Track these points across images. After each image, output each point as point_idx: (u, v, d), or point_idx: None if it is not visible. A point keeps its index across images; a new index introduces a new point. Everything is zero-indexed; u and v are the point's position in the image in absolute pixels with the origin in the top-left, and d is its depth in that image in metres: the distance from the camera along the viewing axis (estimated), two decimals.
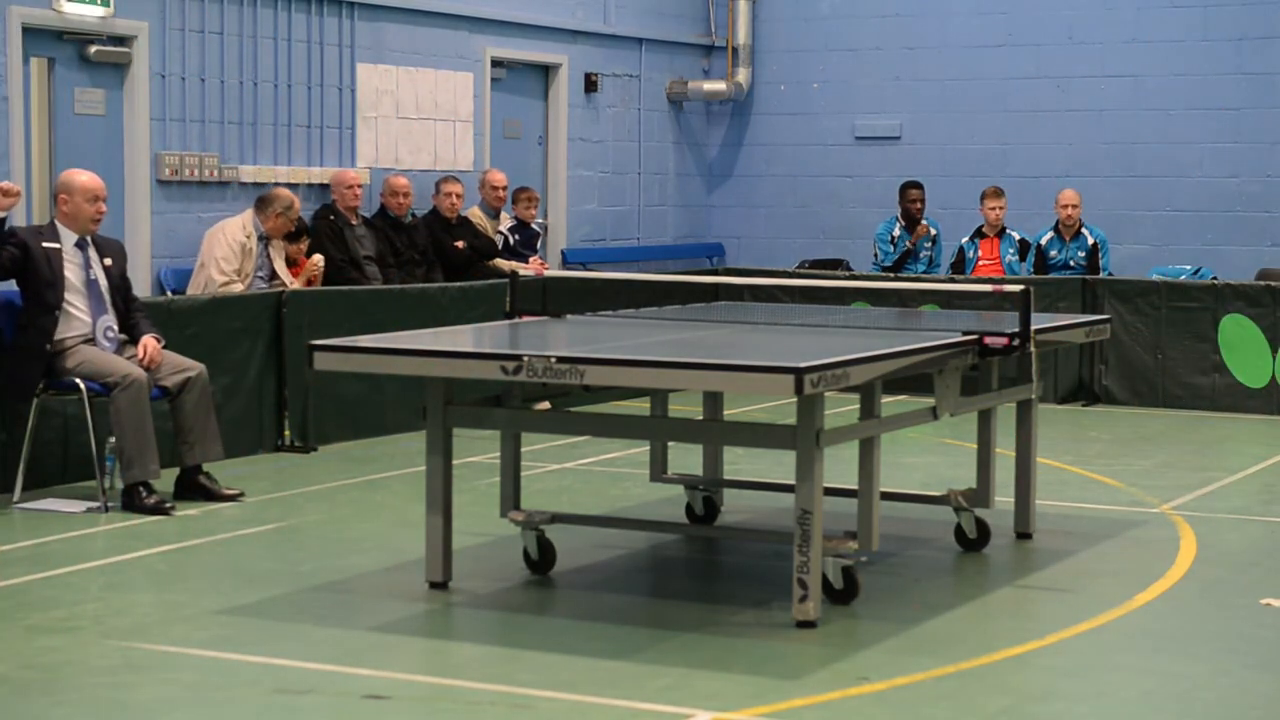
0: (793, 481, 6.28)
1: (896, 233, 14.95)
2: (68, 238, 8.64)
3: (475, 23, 14.50)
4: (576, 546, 7.58)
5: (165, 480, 8.65)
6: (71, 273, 8.61)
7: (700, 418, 8.28)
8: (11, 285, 8.76)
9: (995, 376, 7.59)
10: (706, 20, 17.22)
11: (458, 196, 13.17)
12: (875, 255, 14.96)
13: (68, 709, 5.34)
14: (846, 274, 14.77)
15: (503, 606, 6.77)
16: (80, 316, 8.61)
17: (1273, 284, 12.62)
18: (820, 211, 16.92)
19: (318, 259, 11.49)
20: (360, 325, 9.93)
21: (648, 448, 8.53)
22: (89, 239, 8.71)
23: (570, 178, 15.75)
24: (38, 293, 8.52)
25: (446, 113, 14.26)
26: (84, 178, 8.73)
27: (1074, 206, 14.08)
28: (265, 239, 11.00)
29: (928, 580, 7.25)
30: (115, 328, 8.72)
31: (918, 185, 15.02)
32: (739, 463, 9.66)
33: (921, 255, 14.90)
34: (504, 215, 13.81)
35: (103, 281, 8.71)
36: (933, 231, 14.95)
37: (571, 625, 6.41)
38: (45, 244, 8.56)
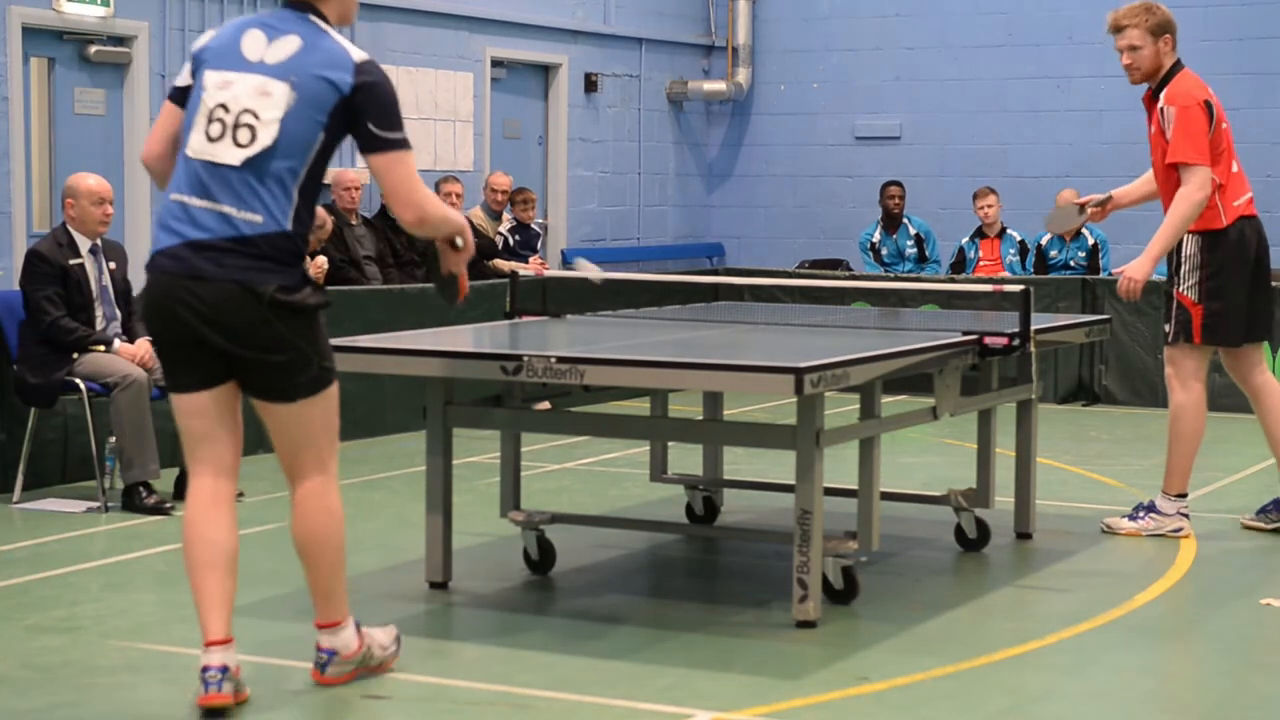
0: (793, 481, 6.28)
1: (877, 238, 15.00)
2: (83, 244, 8.64)
3: (475, 23, 14.51)
4: (576, 546, 7.58)
5: (165, 480, 8.65)
6: (91, 281, 8.64)
7: (700, 418, 8.28)
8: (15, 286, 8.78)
9: (995, 376, 7.59)
10: (706, 20, 17.23)
11: (457, 196, 13.17)
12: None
13: (68, 709, 5.34)
14: (846, 274, 14.79)
15: (503, 606, 6.77)
16: (99, 324, 8.65)
17: (1273, 284, 12.59)
18: (820, 211, 16.93)
19: (321, 261, 11.48)
20: (360, 325, 9.93)
21: (648, 448, 8.53)
22: (99, 243, 8.72)
23: (570, 178, 15.75)
24: (71, 312, 8.53)
25: (446, 113, 14.26)
26: (91, 181, 8.73)
27: None
28: None
29: (928, 580, 7.25)
30: (120, 330, 8.76)
31: (897, 184, 15.08)
32: (739, 463, 9.66)
33: (907, 254, 14.93)
34: (505, 216, 13.82)
35: (110, 285, 8.74)
36: (913, 230, 14.99)
37: (571, 625, 6.41)
38: (71, 261, 8.55)
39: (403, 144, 5.24)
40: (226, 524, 5.29)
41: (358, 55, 5.16)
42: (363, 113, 5.13)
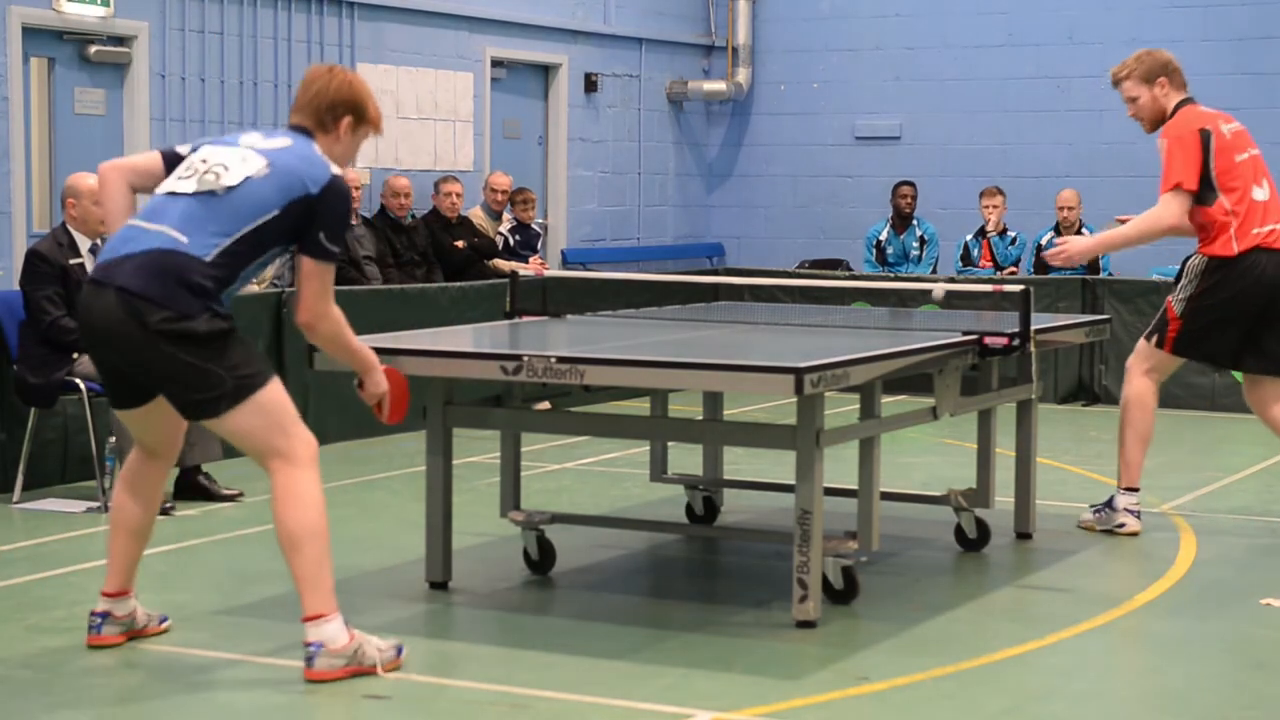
0: (793, 481, 6.28)
1: (884, 235, 15.00)
2: (83, 244, 8.64)
3: (475, 23, 14.51)
4: (576, 546, 7.58)
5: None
6: None
7: (700, 418, 8.28)
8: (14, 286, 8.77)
9: (995, 376, 7.59)
10: (706, 20, 17.23)
11: (458, 196, 13.18)
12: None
13: (67, 709, 5.34)
14: (846, 274, 14.79)
15: (503, 606, 6.77)
16: None
17: None
18: (820, 211, 16.92)
19: None
20: (360, 325, 9.89)
21: (648, 448, 8.53)
22: (99, 243, 8.72)
23: (570, 178, 15.75)
24: (71, 312, 8.53)
25: (446, 113, 14.26)
26: (91, 181, 8.72)
27: (1070, 208, 14.11)
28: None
29: (928, 580, 7.25)
30: None
31: (909, 183, 15.11)
32: (739, 463, 9.66)
33: (911, 255, 14.94)
34: (505, 216, 13.82)
35: None
36: (919, 232, 14.99)
37: (571, 625, 6.42)
38: (71, 261, 8.55)
39: (335, 258, 5.65)
40: (142, 502, 5.91)
41: (334, 169, 5.66)
42: (320, 218, 5.55)
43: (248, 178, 5.52)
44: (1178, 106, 7.94)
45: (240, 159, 5.58)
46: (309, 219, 5.54)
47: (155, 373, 5.50)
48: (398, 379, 6.07)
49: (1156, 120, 7.99)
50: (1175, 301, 7.86)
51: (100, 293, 5.47)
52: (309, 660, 5.51)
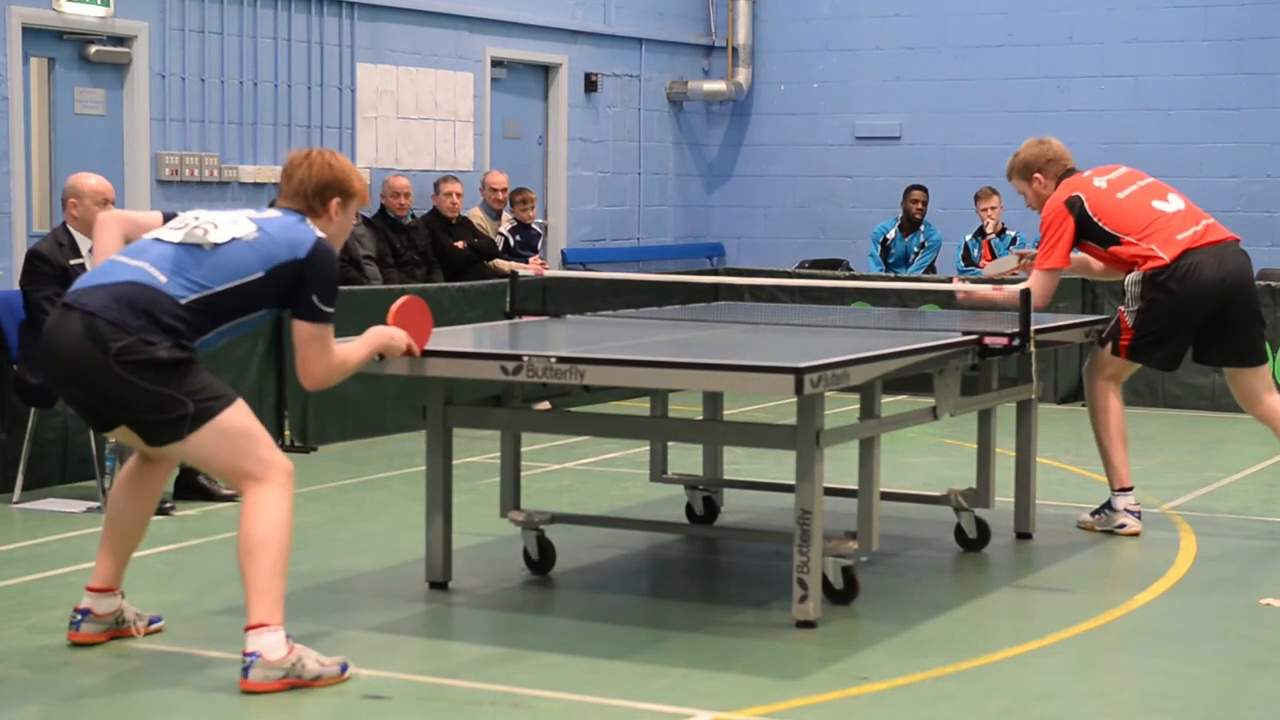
0: (793, 481, 6.28)
1: (891, 235, 15.00)
2: (83, 244, 8.64)
3: (475, 23, 14.51)
4: (576, 546, 7.58)
5: None
6: None
7: (700, 418, 8.28)
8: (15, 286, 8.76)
9: (995, 376, 7.59)
10: (706, 20, 17.23)
11: (458, 196, 13.18)
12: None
13: (68, 709, 5.35)
14: (846, 274, 14.79)
15: (503, 606, 6.77)
16: None
17: (1273, 284, 12.62)
18: (820, 211, 16.93)
19: None
20: (360, 325, 9.87)
21: (648, 448, 8.53)
22: None
23: (570, 178, 15.75)
24: None
25: (446, 113, 14.26)
26: (92, 181, 8.73)
27: None
28: None
29: (928, 580, 7.25)
30: None
31: (921, 188, 15.11)
32: (739, 463, 9.66)
33: (912, 259, 14.94)
34: (505, 216, 13.82)
35: None
36: (922, 238, 14.99)
37: (571, 625, 6.42)
38: (71, 262, 8.55)
39: (331, 319, 5.74)
40: (140, 502, 5.95)
41: (319, 233, 5.74)
42: (310, 282, 5.64)
43: (234, 238, 5.61)
44: (1059, 182, 8.14)
45: (231, 221, 5.69)
46: (299, 283, 5.63)
47: (114, 400, 5.49)
48: (408, 314, 6.30)
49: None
50: (1127, 314, 7.98)
51: (67, 316, 5.50)
52: (245, 670, 5.45)
